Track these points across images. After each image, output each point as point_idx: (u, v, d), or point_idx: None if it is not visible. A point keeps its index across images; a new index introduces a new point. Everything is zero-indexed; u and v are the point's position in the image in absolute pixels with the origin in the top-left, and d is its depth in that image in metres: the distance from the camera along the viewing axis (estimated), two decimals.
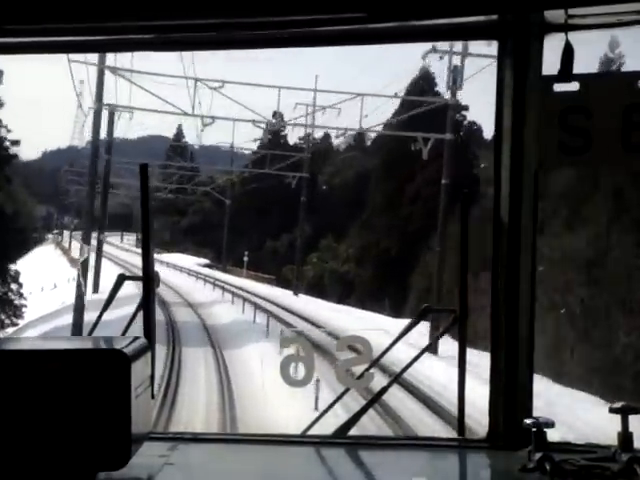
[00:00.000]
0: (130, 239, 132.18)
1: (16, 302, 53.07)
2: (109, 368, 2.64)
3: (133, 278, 3.56)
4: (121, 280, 3.63)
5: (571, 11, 3.07)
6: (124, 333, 3.28)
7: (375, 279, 66.66)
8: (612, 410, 2.91)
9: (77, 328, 37.78)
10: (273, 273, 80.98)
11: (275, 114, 76.91)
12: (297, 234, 73.12)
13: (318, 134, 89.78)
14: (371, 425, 18.89)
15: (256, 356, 29.78)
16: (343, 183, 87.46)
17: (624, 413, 2.89)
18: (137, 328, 3.29)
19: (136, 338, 2.96)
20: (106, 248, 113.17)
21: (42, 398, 2.64)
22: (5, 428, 2.63)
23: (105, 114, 51.61)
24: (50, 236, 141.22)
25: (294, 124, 60.15)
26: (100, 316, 3.65)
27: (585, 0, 3.07)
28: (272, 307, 48.63)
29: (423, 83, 70.12)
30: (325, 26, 3.19)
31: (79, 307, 39.83)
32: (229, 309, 50.54)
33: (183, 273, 78.07)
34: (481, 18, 3.25)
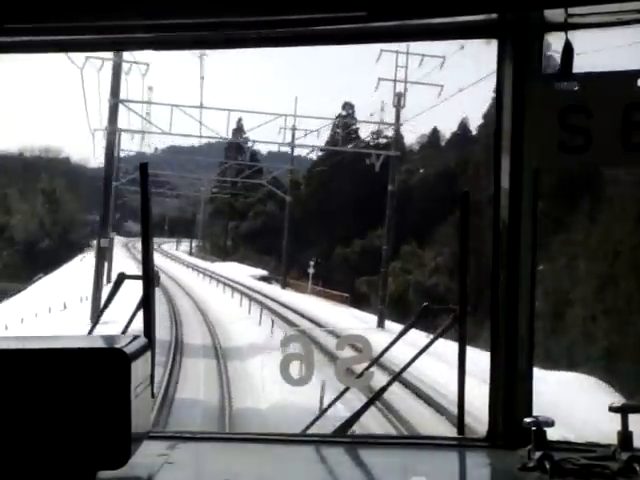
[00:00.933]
0: (189, 246, 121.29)
1: None
2: (109, 367, 2.64)
3: (133, 277, 3.56)
4: (121, 279, 3.64)
5: (571, 10, 3.07)
6: (124, 332, 3.28)
7: (475, 296, 56.00)
8: (612, 409, 2.91)
9: None
10: (344, 287, 65.35)
11: (346, 105, 71.38)
12: (375, 237, 62.06)
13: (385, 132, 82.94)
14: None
15: None
16: (422, 182, 75.79)
17: (624, 412, 2.89)
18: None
19: (136, 337, 2.96)
20: (155, 257, 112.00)
21: (42, 397, 2.63)
22: (6, 427, 2.63)
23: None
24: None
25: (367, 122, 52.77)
26: (100, 315, 3.66)
27: (585, 0, 3.07)
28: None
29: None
30: (325, 25, 3.19)
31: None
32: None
33: (227, 290, 59.98)
34: (481, 17, 3.24)
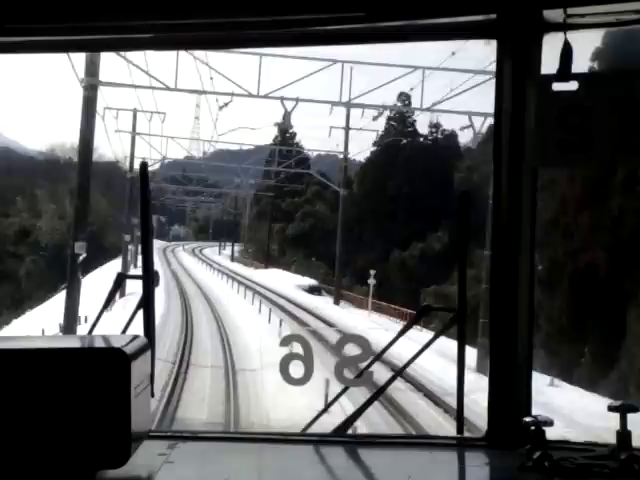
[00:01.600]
0: (236, 251, 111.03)
1: None
2: (109, 367, 2.64)
3: (133, 277, 3.56)
4: (120, 279, 3.64)
5: (570, 10, 3.07)
6: (124, 332, 3.29)
7: (570, 314, 40.69)
8: (611, 409, 2.91)
9: None
10: (405, 297, 54.97)
11: (401, 95, 65.41)
12: (434, 240, 55.66)
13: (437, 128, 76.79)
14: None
15: None
16: (486, 179, 68.84)
17: (622, 411, 2.90)
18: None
19: (136, 337, 2.97)
20: (188, 262, 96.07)
21: (42, 397, 2.64)
22: (4, 427, 2.63)
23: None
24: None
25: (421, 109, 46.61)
26: (100, 315, 3.66)
27: (584, 0, 3.08)
28: None
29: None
30: (324, 25, 3.20)
31: None
32: None
33: (266, 303, 48.91)
34: (480, 17, 3.25)
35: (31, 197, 79.30)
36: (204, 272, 79.85)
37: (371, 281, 51.14)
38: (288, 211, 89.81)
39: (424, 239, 65.55)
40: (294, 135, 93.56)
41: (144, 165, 3.39)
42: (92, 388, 2.64)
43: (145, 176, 3.37)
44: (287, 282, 65.59)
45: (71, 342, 3.18)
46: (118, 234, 74.19)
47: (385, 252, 68.01)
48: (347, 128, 58.17)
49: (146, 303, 3.36)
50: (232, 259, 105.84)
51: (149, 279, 3.37)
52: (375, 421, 19.96)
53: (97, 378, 2.64)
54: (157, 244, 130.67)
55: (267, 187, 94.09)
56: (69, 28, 3.16)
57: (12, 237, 76.04)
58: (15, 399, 2.64)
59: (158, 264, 74.24)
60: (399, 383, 24.95)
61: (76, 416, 2.63)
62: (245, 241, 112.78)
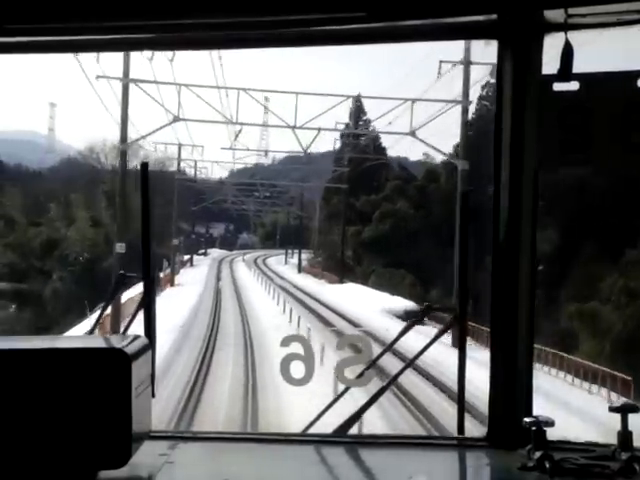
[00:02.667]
0: (304, 259, 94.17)
1: None
2: (110, 367, 2.64)
3: (133, 277, 3.57)
4: (121, 279, 3.64)
5: (571, 10, 3.07)
6: (124, 332, 3.29)
7: None
8: (612, 409, 2.91)
9: None
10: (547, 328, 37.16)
11: (487, 84, 57.40)
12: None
13: None
14: None
15: None
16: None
17: (624, 412, 2.90)
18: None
19: (137, 337, 2.97)
20: (244, 276, 77.75)
21: (43, 397, 2.64)
22: (6, 427, 2.63)
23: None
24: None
25: None
26: (101, 314, 3.66)
27: (585, 0, 3.08)
28: None
29: None
30: (324, 25, 3.20)
31: None
32: None
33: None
34: (481, 18, 3.25)
35: (66, 203, 66.87)
36: (260, 293, 60.21)
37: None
38: (364, 211, 73.56)
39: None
40: (368, 123, 76.50)
41: (145, 165, 3.39)
42: (93, 388, 2.64)
43: (146, 176, 3.36)
44: (371, 303, 48.93)
45: (72, 342, 3.18)
46: (163, 241, 65.35)
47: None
48: (467, 62, 43.54)
49: (147, 303, 3.36)
50: (299, 270, 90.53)
51: (149, 279, 3.37)
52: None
53: (98, 378, 2.64)
54: (215, 253, 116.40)
55: (340, 178, 78.29)
56: (69, 28, 3.16)
57: (38, 249, 62.11)
58: (16, 399, 2.64)
59: (200, 282, 65.23)
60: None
61: (77, 416, 2.63)
62: (314, 248, 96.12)
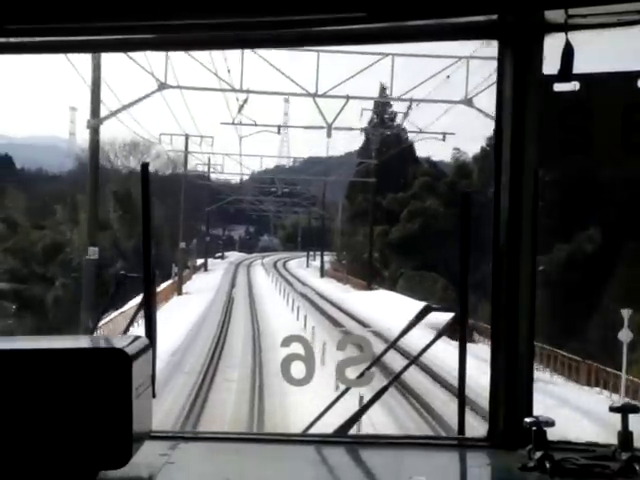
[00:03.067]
0: (326, 261, 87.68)
1: None
2: (110, 367, 2.65)
3: (133, 277, 3.57)
4: (122, 279, 3.65)
5: (571, 11, 3.07)
6: (125, 332, 3.29)
7: None
8: (612, 409, 2.91)
9: None
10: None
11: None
12: (584, 240, 38.79)
13: None
14: None
15: None
16: None
17: (624, 412, 2.90)
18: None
19: (137, 337, 2.97)
20: (262, 282, 70.67)
21: (43, 397, 2.64)
22: (7, 427, 2.63)
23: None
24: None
25: None
26: (102, 314, 3.66)
27: (585, 0, 3.08)
28: None
29: None
30: (324, 26, 3.20)
31: None
32: None
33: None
34: (481, 18, 3.25)
35: (72, 205, 61.78)
36: (278, 304, 52.45)
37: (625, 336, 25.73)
38: (390, 210, 67.69)
39: (569, 239, 43.08)
40: (394, 116, 72.94)
41: (145, 166, 3.39)
42: (94, 388, 2.64)
43: (146, 177, 3.36)
44: (406, 314, 32.46)
45: (73, 342, 3.18)
46: (177, 243, 62.76)
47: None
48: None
49: (147, 303, 3.36)
50: (322, 274, 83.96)
51: (149, 279, 3.37)
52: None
53: (98, 378, 2.65)
54: (233, 257, 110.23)
55: (367, 171, 71.15)
56: (69, 29, 3.16)
57: (40, 254, 58.68)
58: (17, 399, 2.64)
59: (212, 289, 61.17)
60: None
61: (78, 416, 2.63)
62: (338, 250, 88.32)
